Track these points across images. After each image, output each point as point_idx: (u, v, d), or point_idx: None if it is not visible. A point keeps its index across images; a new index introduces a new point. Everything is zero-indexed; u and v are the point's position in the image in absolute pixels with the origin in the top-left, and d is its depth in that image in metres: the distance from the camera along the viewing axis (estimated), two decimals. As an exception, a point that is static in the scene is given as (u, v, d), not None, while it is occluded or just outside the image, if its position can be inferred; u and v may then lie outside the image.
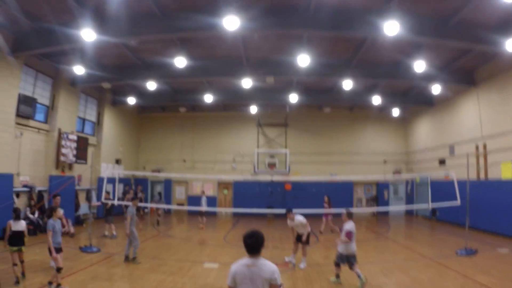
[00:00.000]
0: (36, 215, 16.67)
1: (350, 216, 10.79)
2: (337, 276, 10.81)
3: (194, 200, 27.63)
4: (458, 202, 13.86)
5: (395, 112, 25.67)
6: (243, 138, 28.67)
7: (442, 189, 18.96)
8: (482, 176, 18.42)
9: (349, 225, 10.54)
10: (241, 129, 28.81)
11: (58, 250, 9.16)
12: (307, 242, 12.80)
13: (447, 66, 17.81)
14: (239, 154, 28.45)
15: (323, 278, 11.11)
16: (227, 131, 28.92)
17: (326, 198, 19.62)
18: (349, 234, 10.36)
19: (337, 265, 10.69)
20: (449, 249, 14.62)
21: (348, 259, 10.43)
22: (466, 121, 20.06)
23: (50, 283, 8.87)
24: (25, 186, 16.56)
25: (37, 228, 16.31)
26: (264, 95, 23.38)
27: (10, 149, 15.54)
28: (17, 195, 15.97)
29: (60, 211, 9.33)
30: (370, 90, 22.11)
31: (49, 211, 9.42)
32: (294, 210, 12.91)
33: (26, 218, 16.06)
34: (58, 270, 8.84)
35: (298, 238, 12.85)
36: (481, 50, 15.32)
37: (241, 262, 4.91)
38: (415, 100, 23.80)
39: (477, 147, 18.68)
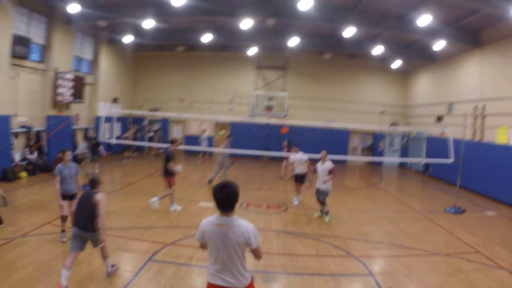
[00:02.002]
0: (35, 155, 16.75)
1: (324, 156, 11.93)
2: (321, 211, 12.06)
3: (191, 139, 27.86)
4: (451, 159, 14.04)
5: (396, 64, 25.36)
6: (242, 80, 28.37)
7: (437, 145, 19.17)
8: (477, 137, 18.49)
9: (331, 164, 11.75)
10: (240, 70, 28.43)
11: (66, 197, 8.71)
12: (302, 181, 13.77)
13: (453, 23, 17.30)
14: (237, 95, 28.26)
15: (314, 221, 11.55)
16: (226, 72, 28.54)
17: (285, 142, 19.89)
18: (333, 171, 11.65)
19: (319, 201, 11.97)
20: (438, 205, 15.04)
21: (321, 194, 11.77)
22: (467, 81, 19.83)
23: (62, 231, 8.69)
24: (23, 127, 16.49)
25: (36, 168, 16.49)
26: (264, 37, 22.79)
27: (7, 91, 15.31)
28: (16, 136, 15.96)
29: (69, 155, 8.88)
30: (372, 40, 21.62)
31: (58, 158, 9.08)
32: (289, 153, 13.85)
33: (25, 159, 16.29)
34: (62, 218, 8.66)
35: (297, 178, 13.87)
36: (489, 11, 14.87)
37: (211, 221, 4.29)
38: (418, 54, 23.36)
39: (475, 108, 18.65)
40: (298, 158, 13.73)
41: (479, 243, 10.30)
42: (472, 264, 8.67)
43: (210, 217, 4.33)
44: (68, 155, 8.79)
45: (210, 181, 16.22)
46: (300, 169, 13.73)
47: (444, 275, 7.98)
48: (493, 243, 10.45)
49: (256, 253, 4.33)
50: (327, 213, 11.78)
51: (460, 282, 7.61)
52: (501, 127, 16.69)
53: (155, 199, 11.92)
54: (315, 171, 12.11)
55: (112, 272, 7.12)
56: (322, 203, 11.83)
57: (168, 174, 11.95)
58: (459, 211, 13.86)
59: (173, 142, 12.68)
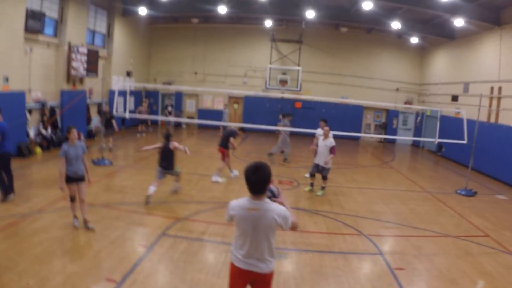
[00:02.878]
0: (49, 130, 16.86)
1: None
2: (311, 185, 12.41)
3: (204, 113, 28.05)
4: (465, 140, 13.96)
5: (414, 40, 24.97)
6: (256, 53, 28.14)
7: (451, 125, 19.00)
8: (492, 119, 18.26)
9: (333, 141, 11.86)
10: (254, 43, 28.16)
11: (73, 179, 7.87)
12: None
13: (475, 0, 17.00)
14: (251, 69, 28.15)
15: (325, 199, 11.71)
16: (240, 45, 28.31)
17: (281, 116, 19.43)
18: (334, 150, 11.76)
19: (312, 175, 12.28)
20: (449, 186, 15.01)
21: (323, 170, 11.94)
22: (484, 61, 19.38)
23: (74, 217, 8.20)
24: (37, 102, 16.49)
25: (50, 144, 16.61)
26: (280, 9, 22.56)
27: (21, 66, 15.24)
28: (30, 112, 15.97)
29: (75, 133, 7.91)
30: (390, 14, 21.24)
31: (67, 132, 7.93)
32: (303, 129, 14.07)
33: (39, 134, 16.37)
34: (71, 199, 8.03)
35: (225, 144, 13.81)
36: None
37: (242, 204, 4.16)
38: (436, 31, 22.89)
39: (492, 89, 18.38)
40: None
41: (489, 227, 10.30)
42: (481, 248, 8.72)
43: (240, 200, 4.21)
44: (74, 133, 7.86)
45: (270, 154, 17.33)
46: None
47: (453, 257, 8.05)
48: (503, 227, 10.43)
49: (290, 230, 4.39)
50: (323, 188, 12.12)
51: (468, 265, 7.68)
52: (516, 110, 16.48)
53: (215, 176, 13.01)
54: (316, 146, 12.31)
55: (177, 190, 11.28)
56: (324, 178, 12.08)
57: (226, 147, 13.04)
58: (470, 194, 13.82)
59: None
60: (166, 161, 10.50)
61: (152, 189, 10.02)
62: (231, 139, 12.91)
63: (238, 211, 4.16)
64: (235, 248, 4.27)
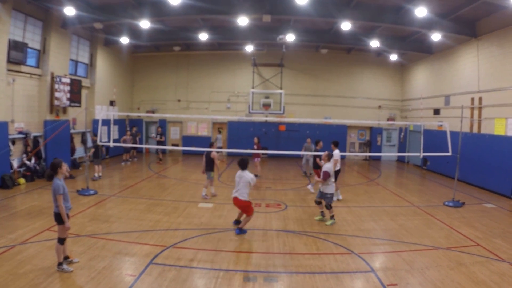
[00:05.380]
0: (33, 161, 16.63)
1: (329, 158, 11.54)
2: (322, 214, 11.78)
3: (189, 140, 27.94)
4: (449, 152, 14.06)
5: (393, 57, 25.38)
6: (238, 78, 28.31)
7: (434, 138, 19.18)
8: (475, 129, 18.49)
9: (326, 166, 11.31)
10: (236, 68, 28.35)
11: (68, 217, 7.47)
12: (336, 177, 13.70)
13: (449, 14, 17.28)
14: (234, 94, 28.26)
15: (314, 220, 11.60)
16: (222, 71, 28.46)
17: (256, 140, 19.52)
18: (324, 174, 11.16)
19: (318, 203, 11.62)
20: (437, 199, 15.06)
21: (325, 197, 11.40)
22: (463, 73, 19.79)
23: (66, 258, 7.65)
24: (20, 132, 16.37)
25: (34, 174, 16.40)
26: (260, 34, 22.81)
27: (3, 97, 15.19)
28: (13, 142, 15.86)
29: (65, 165, 7.57)
30: (368, 33, 21.65)
31: (52, 168, 7.46)
32: (287, 151, 14.87)
33: (23, 165, 16.19)
34: (62, 241, 7.45)
35: (316, 165, 14.99)
36: (485, 1, 14.87)
37: (238, 173, 10.35)
38: (414, 47, 23.36)
39: (472, 100, 18.66)
40: (336, 154, 13.54)
41: (479, 236, 10.33)
42: (473, 257, 8.69)
43: (238, 171, 10.34)
44: (65, 167, 7.57)
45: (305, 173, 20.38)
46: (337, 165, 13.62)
47: (446, 269, 7.99)
48: (493, 235, 10.46)
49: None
50: (332, 217, 11.43)
51: (461, 276, 7.63)
52: (498, 119, 16.70)
53: (310, 185, 15.99)
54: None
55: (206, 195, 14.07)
56: (327, 207, 11.48)
57: (317, 167, 14.61)
58: (458, 205, 13.87)
59: (317, 143, 17.31)
60: (207, 166, 14.22)
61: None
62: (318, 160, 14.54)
63: (236, 175, 10.34)
64: (234, 189, 10.25)
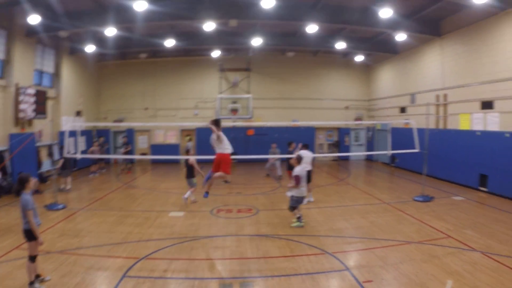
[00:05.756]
0: (-1, 176, 16.03)
1: (299, 160, 11.47)
2: (298, 218, 11.42)
3: (157, 148, 27.56)
4: (417, 149, 14.28)
5: (359, 58, 25.74)
6: (206, 84, 28.11)
7: (402, 136, 19.44)
8: (441, 125, 18.93)
9: (297, 169, 11.21)
10: (204, 74, 28.14)
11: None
12: (309, 179, 13.63)
13: (413, 15, 17.64)
14: (202, 100, 28.04)
15: (286, 223, 11.51)
16: (189, 77, 28.23)
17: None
18: (296, 179, 11.05)
19: (293, 209, 11.34)
20: (406, 195, 15.30)
21: (290, 198, 11.32)
22: (428, 71, 20.27)
23: (37, 276, 7.24)
24: (-17, 147, 15.69)
25: (0, 191, 15.62)
26: (226, 39, 22.72)
27: None
28: None
29: (33, 179, 7.23)
30: (334, 35, 21.91)
31: (20, 182, 7.13)
32: (256, 156, 14.36)
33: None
34: (34, 258, 7.13)
35: (290, 167, 13.50)
36: (449, 1, 15.18)
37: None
38: (380, 47, 23.77)
39: (437, 97, 19.05)
40: (306, 155, 13.48)
41: (449, 228, 10.53)
42: (445, 249, 8.85)
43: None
44: (32, 181, 7.23)
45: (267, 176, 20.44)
46: (307, 166, 13.35)
47: (419, 262, 8.11)
48: (463, 227, 10.69)
49: None
50: (299, 218, 11.26)
51: (435, 267, 7.75)
52: (462, 114, 17.10)
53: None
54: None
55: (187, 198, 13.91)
56: (289, 209, 11.47)
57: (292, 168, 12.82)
58: (427, 199, 14.13)
59: (290, 144, 17.87)
60: (188, 173, 14.31)
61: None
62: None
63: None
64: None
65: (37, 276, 7.24)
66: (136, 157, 27.34)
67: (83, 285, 7.31)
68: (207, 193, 10.48)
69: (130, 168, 23.21)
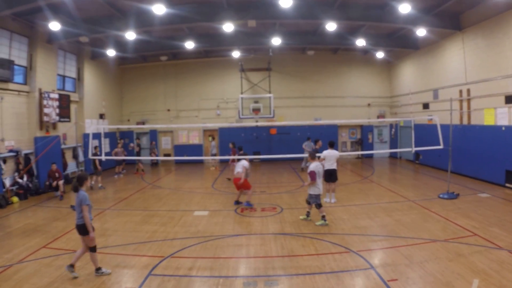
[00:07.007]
0: (25, 178, 16.43)
1: (313, 157, 11.63)
2: (307, 214, 11.78)
3: (180, 149, 27.87)
4: (441, 145, 14.12)
5: (380, 55, 25.52)
6: (227, 84, 28.29)
7: (425, 133, 19.24)
8: (465, 121, 18.62)
9: (312, 165, 11.30)
10: (224, 75, 28.34)
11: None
12: (335, 178, 13.91)
13: (433, 9, 17.40)
14: (223, 101, 28.25)
15: (310, 223, 11.48)
16: (210, 78, 28.44)
17: (231, 145, 19.92)
18: (311, 174, 11.11)
19: (308, 203, 11.54)
20: (431, 192, 15.11)
21: (310, 197, 11.39)
22: (450, 66, 19.93)
23: (98, 269, 7.87)
24: (11, 151, 16.18)
25: (27, 192, 16.18)
26: (246, 40, 22.80)
27: None
28: (4, 161, 15.66)
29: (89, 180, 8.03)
30: (354, 32, 21.73)
31: (79, 180, 7.83)
32: (279, 155, 14.39)
33: (15, 183, 15.98)
34: (94, 249, 7.86)
35: (328, 178, 13.74)
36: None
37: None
38: (400, 43, 23.50)
39: (460, 92, 18.78)
40: (331, 154, 13.69)
41: (476, 226, 10.37)
42: (471, 247, 8.71)
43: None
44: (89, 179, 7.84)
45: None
46: (332, 165, 13.66)
47: (445, 260, 8.00)
48: (490, 224, 10.51)
49: None
50: (323, 217, 11.26)
51: (461, 266, 7.64)
52: (487, 109, 16.81)
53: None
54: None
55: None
56: (308, 204, 11.55)
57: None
58: (453, 196, 13.92)
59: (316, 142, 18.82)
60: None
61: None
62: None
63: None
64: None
65: (98, 268, 7.86)
66: (160, 158, 27.64)
67: (109, 282, 7.49)
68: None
69: (143, 170, 23.42)
